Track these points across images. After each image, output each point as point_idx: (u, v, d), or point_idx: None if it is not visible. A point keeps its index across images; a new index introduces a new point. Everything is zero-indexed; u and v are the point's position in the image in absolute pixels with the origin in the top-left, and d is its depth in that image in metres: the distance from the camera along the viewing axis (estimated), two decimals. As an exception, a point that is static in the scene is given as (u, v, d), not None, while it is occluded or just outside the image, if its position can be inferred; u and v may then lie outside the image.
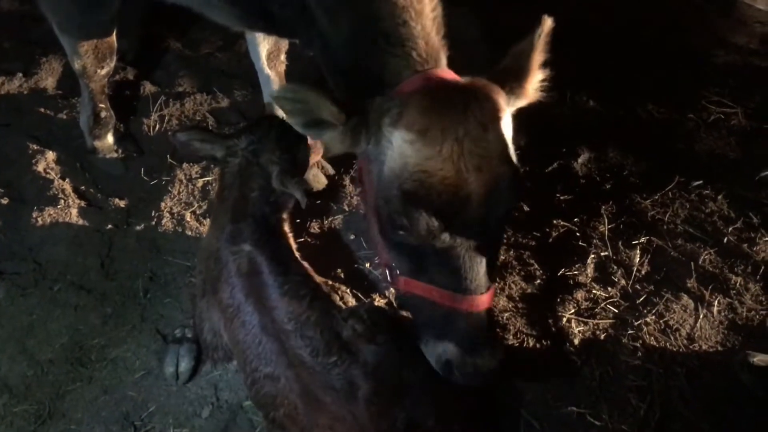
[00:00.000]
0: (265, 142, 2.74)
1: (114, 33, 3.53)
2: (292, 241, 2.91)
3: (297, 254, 2.85)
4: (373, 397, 2.23)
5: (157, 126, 4.14)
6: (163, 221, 3.49)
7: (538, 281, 3.35)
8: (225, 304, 2.60)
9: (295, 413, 2.27)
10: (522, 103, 2.30)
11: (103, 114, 3.81)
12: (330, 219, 3.62)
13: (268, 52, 3.66)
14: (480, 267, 2.20)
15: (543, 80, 2.29)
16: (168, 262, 3.33)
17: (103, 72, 3.61)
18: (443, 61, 2.33)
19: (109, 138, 3.89)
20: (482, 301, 2.23)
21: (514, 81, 2.25)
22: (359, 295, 3.10)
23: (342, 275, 3.27)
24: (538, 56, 2.22)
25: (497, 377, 2.35)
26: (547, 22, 2.19)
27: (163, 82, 4.55)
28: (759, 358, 2.89)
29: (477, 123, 2.07)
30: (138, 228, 3.46)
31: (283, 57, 3.75)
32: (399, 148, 2.11)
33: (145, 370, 2.87)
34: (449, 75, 2.25)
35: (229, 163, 2.77)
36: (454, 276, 2.19)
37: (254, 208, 2.75)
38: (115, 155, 3.92)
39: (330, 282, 3.06)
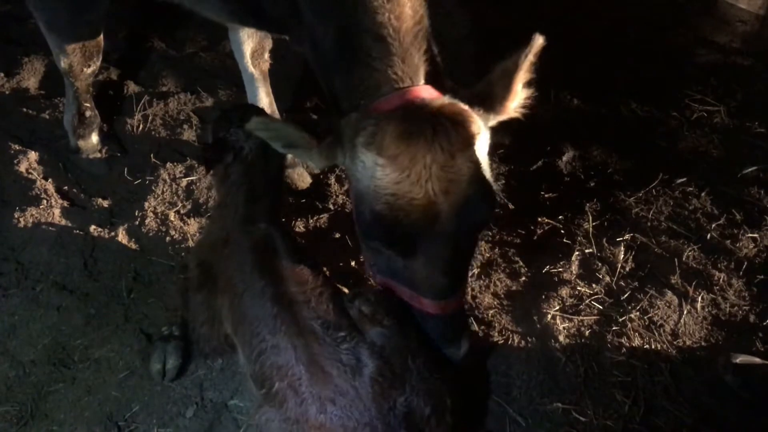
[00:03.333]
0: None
1: (101, 32, 3.51)
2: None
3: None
4: (378, 376, 2.25)
5: (141, 126, 4.11)
6: (147, 221, 3.47)
7: (523, 278, 3.36)
8: (234, 281, 2.57)
9: (298, 384, 2.26)
10: (502, 118, 2.33)
11: (87, 113, 3.78)
12: (315, 218, 3.61)
13: (252, 51, 3.65)
14: (447, 276, 2.29)
15: (526, 99, 2.29)
16: (152, 261, 3.30)
17: (89, 71, 3.59)
18: (421, 78, 2.35)
19: (93, 138, 3.86)
20: (448, 305, 2.36)
21: (494, 99, 2.27)
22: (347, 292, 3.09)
23: (328, 274, 3.25)
24: (522, 76, 2.21)
25: (465, 362, 2.52)
26: (537, 42, 2.16)
27: (146, 82, 4.51)
28: (742, 359, 2.91)
29: (445, 149, 2.13)
30: (121, 228, 3.43)
31: (267, 55, 3.74)
32: (370, 169, 2.18)
33: (129, 370, 2.85)
34: (427, 93, 2.26)
35: (234, 164, 2.77)
36: (422, 282, 2.31)
37: (266, 198, 2.79)
38: (98, 155, 3.89)
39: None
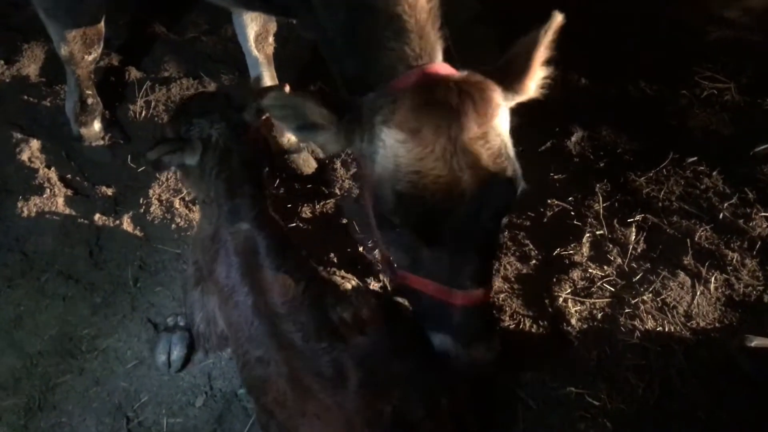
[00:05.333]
0: (228, 118, 2.67)
1: (102, 19, 3.45)
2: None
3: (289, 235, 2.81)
4: (360, 388, 2.18)
5: (144, 112, 4.06)
6: (152, 209, 3.42)
7: (534, 261, 3.32)
8: (221, 284, 2.54)
9: (283, 399, 2.22)
10: (521, 98, 2.23)
11: (89, 101, 3.73)
12: (321, 203, 3.56)
13: (256, 34, 3.59)
14: (474, 263, 2.19)
15: (545, 78, 2.22)
16: (158, 249, 3.27)
17: (91, 58, 3.53)
18: (439, 55, 2.27)
19: (96, 125, 3.82)
20: (476, 296, 2.23)
21: (513, 77, 2.17)
22: (356, 280, 3.05)
23: (335, 260, 3.22)
24: (542, 53, 2.13)
25: (494, 367, 2.37)
26: (557, 18, 2.08)
27: (148, 68, 4.45)
28: (757, 342, 2.85)
29: (470, 120, 2.03)
30: (126, 216, 3.39)
31: (271, 39, 3.67)
32: (391, 147, 2.08)
33: (137, 360, 2.83)
34: (445, 70, 2.18)
35: (207, 154, 2.65)
36: (448, 271, 2.20)
37: (247, 184, 2.69)
38: (101, 142, 3.84)
39: (325, 268, 3.02)
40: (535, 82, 2.21)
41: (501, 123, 2.15)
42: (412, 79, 2.13)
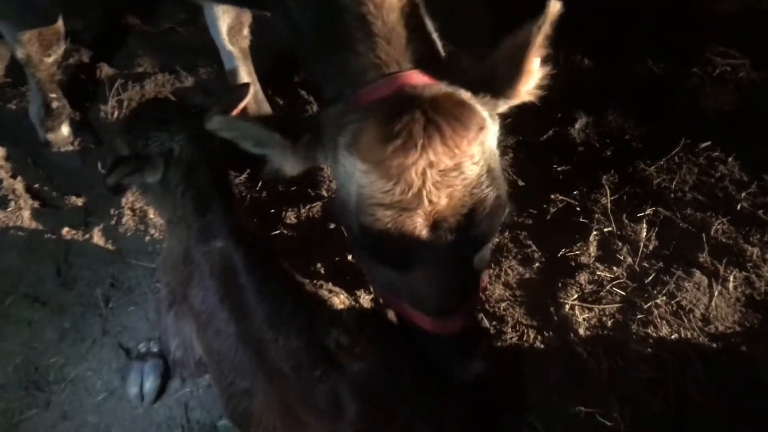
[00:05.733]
0: (188, 127, 2.42)
1: (59, 18, 3.19)
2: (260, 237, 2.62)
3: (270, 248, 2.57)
4: (359, 419, 1.99)
5: (116, 113, 3.81)
6: (124, 219, 3.19)
7: (537, 264, 3.08)
8: (197, 310, 2.33)
9: None
10: (513, 103, 1.96)
11: (54, 104, 3.48)
12: (307, 207, 3.32)
13: (228, 27, 3.32)
14: (452, 291, 2.02)
15: (541, 80, 1.93)
16: (131, 265, 3.05)
17: (51, 60, 3.28)
18: (410, 62, 1.99)
19: (64, 129, 3.58)
20: (454, 324, 2.07)
21: (503, 81, 1.91)
22: (344, 294, 2.81)
23: (323, 270, 2.99)
24: (536, 52, 1.83)
25: (484, 378, 2.21)
26: (554, 8, 1.77)
27: (121, 63, 4.19)
28: None
29: (441, 150, 1.78)
30: (97, 228, 3.16)
31: (246, 32, 3.40)
32: (353, 175, 1.87)
33: (107, 392, 2.63)
34: (418, 81, 1.91)
35: (170, 171, 2.41)
36: (423, 299, 2.02)
37: (217, 198, 2.44)
38: (70, 147, 3.60)
39: (312, 281, 2.79)
40: (528, 85, 1.93)
41: (481, 147, 1.89)
42: (381, 92, 1.89)
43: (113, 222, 3.18)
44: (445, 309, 2.03)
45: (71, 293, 2.94)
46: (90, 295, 2.93)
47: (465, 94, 1.89)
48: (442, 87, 1.88)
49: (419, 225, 1.84)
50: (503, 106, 1.95)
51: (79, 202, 3.37)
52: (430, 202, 1.81)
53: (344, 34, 1.96)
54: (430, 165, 1.78)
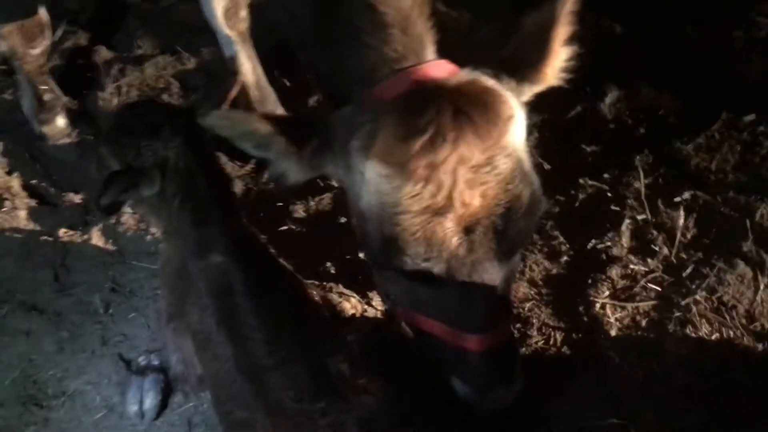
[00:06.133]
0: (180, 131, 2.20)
1: (41, 8, 3.01)
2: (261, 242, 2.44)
3: (275, 257, 2.39)
4: None
5: (115, 100, 3.62)
6: (124, 218, 3.02)
7: (564, 258, 2.88)
8: (194, 329, 2.16)
9: None
10: (540, 88, 1.83)
11: (46, 96, 3.33)
12: (317, 199, 3.12)
13: (224, 9, 3.07)
14: (486, 304, 1.85)
15: (568, 61, 1.78)
16: (132, 267, 2.90)
17: (36, 52, 3.13)
18: (429, 52, 1.83)
19: (59, 121, 3.42)
20: (491, 339, 1.90)
21: (527, 65, 1.77)
22: (356, 297, 2.63)
23: (333, 270, 2.80)
24: (562, 31, 1.71)
25: (520, 404, 2.07)
26: None
27: (120, 45, 4.00)
28: None
29: (471, 147, 1.63)
30: (96, 228, 3.01)
31: (243, 13, 3.14)
32: (374, 183, 1.70)
33: (107, 408, 2.51)
34: (439, 71, 1.76)
35: (166, 181, 2.18)
36: (455, 313, 1.87)
37: (216, 208, 2.25)
38: (67, 140, 3.43)
39: (321, 283, 2.61)
40: (555, 68, 1.79)
41: (513, 137, 1.72)
42: (396, 89, 1.72)
43: (113, 221, 3.02)
44: (486, 324, 1.87)
45: (69, 300, 2.80)
46: (89, 302, 2.79)
47: (490, 81, 1.75)
48: (465, 74, 1.75)
49: (451, 231, 1.68)
50: (528, 93, 1.82)
51: (78, 198, 3.23)
52: (463, 203, 1.64)
53: (352, 25, 1.79)
54: (461, 161, 1.63)
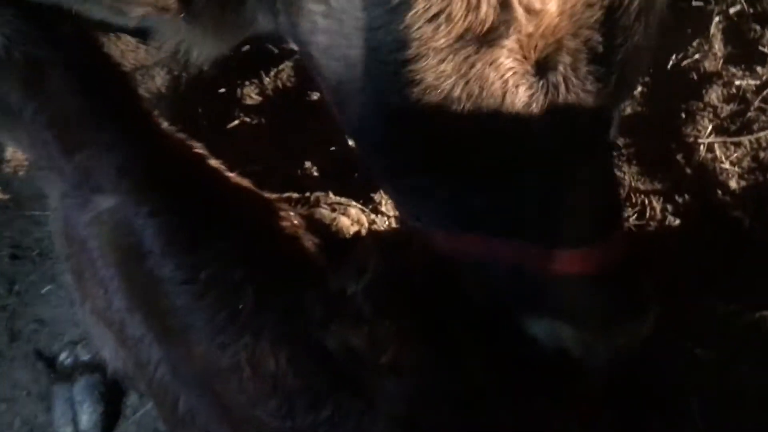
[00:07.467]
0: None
1: None
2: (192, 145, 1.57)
3: (220, 172, 1.54)
4: None
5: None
6: (9, 152, 2.14)
7: (639, 89, 2.00)
8: (105, 317, 1.37)
9: None
10: None
11: None
12: (272, 73, 2.20)
13: None
14: (594, 195, 1.13)
15: None
16: (35, 219, 2.06)
17: None
18: None
19: None
20: (607, 251, 1.15)
21: None
22: (356, 205, 1.78)
23: (315, 171, 1.95)
24: None
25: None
26: None
27: None
28: None
29: None
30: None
31: None
32: (354, 11, 0.93)
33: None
34: None
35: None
36: (544, 220, 1.12)
37: (95, 115, 1.37)
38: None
39: (303, 194, 1.76)
40: None
41: None
42: None
43: (10, 163, 2.13)
44: (597, 229, 1.14)
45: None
46: (-13, 277, 1.96)
47: None
48: None
49: (517, 72, 0.94)
50: None
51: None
52: (529, 11, 0.88)
53: None
54: None
